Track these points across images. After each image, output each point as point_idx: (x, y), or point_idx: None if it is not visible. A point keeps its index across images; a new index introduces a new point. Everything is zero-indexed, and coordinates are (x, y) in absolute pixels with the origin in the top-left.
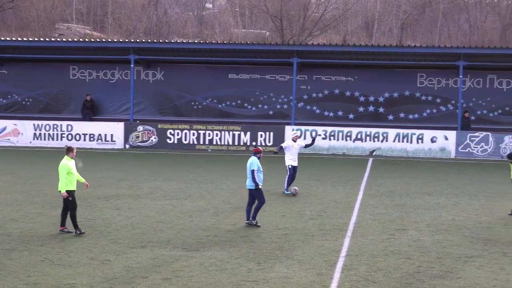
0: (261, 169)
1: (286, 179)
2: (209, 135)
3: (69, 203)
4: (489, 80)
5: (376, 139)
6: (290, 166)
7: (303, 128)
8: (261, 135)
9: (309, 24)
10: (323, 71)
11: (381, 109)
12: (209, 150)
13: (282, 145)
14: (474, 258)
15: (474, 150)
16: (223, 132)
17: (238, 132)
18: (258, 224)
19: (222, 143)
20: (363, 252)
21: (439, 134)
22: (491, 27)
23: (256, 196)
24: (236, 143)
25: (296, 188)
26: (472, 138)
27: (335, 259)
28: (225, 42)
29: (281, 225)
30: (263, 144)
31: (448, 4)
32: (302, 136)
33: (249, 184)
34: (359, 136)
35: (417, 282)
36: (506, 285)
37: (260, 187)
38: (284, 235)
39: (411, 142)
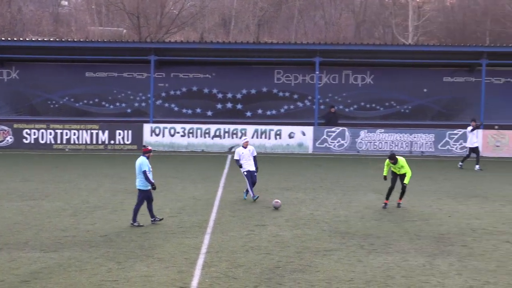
0: (151, 169)
1: (248, 185)
2: (66, 134)
3: None
4: (344, 76)
5: (234, 136)
6: (245, 173)
7: (161, 126)
8: (119, 133)
9: (166, 21)
10: (181, 69)
11: (239, 106)
12: (66, 150)
13: (235, 159)
14: (332, 252)
15: (331, 145)
16: (80, 131)
17: (96, 131)
18: (161, 218)
19: (80, 142)
20: (223, 248)
21: (296, 129)
22: (346, 24)
23: (139, 196)
24: (94, 142)
25: (278, 201)
26: (329, 133)
27: (196, 256)
28: (81, 40)
29: (140, 223)
30: (122, 142)
31: (304, 1)
32: (161, 134)
33: (139, 184)
34: (217, 133)
35: (277, 277)
36: (363, 277)
37: (150, 188)
38: (144, 233)
39: (269, 138)
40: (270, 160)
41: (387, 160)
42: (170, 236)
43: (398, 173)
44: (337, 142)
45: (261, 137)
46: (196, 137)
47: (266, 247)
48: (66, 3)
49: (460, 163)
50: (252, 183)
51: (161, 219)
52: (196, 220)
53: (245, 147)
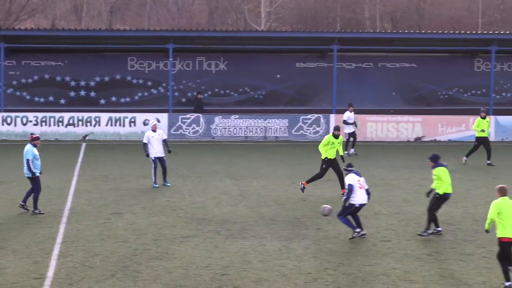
0: (38, 157)
1: (152, 172)
2: None
3: None
4: (198, 63)
5: (88, 124)
6: (153, 158)
7: (13, 115)
8: None
9: (16, 7)
10: (33, 56)
11: (92, 94)
12: None
13: (144, 142)
14: (189, 238)
15: (186, 131)
16: None
17: None
18: (42, 212)
19: None
20: (79, 238)
21: (151, 116)
22: (199, 10)
23: (32, 185)
24: None
25: (327, 206)
26: (183, 120)
27: (51, 246)
28: None
29: (41, 211)
30: None
31: None
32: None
33: (26, 172)
34: (71, 121)
35: (134, 264)
36: (220, 263)
37: (37, 175)
38: None
39: (124, 125)
40: (125, 148)
41: (329, 135)
42: (24, 227)
43: (333, 150)
44: (192, 129)
45: (115, 125)
46: (49, 125)
47: (123, 235)
48: None
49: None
50: (163, 169)
51: (42, 213)
52: (50, 210)
53: (154, 131)
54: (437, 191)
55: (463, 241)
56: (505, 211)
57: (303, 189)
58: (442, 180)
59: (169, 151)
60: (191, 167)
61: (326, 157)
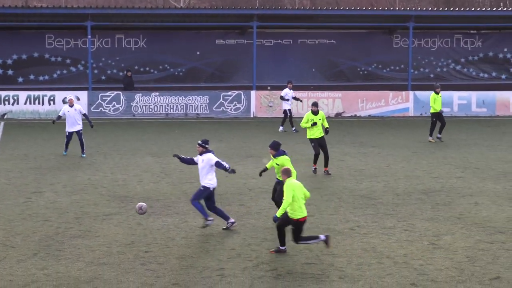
0: None
1: (65, 143)
2: None
3: None
4: (117, 40)
5: (6, 102)
6: (67, 133)
7: None
8: None
9: None
10: None
11: (10, 72)
12: None
13: (59, 115)
14: (111, 216)
15: (107, 109)
16: None
17: None
18: None
19: None
20: (0, 217)
21: (71, 94)
22: None
23: None
24: None
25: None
26: (103, 98)
27: None
28: None
29: None
30: None
31: None
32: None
33: None
34: None
35: (56, 243)
36: (144, 240)
37: None
38: None
39: (43, 104)
40: (44, 127)
41: (308, 113)
42: None
43: (317, 127)
44: (113, 106)
45: (34, 103)
46: None
47: (44, 214)
48: None
49: (281, 127)
50: (80, 142)
51: None
52: None
53: (71, 106)
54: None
55: (384, 215)
56: (297, 192)
57: (314, 170)
58: None
59: (91, 126)
60: (112, 145)
61: (310, 138)
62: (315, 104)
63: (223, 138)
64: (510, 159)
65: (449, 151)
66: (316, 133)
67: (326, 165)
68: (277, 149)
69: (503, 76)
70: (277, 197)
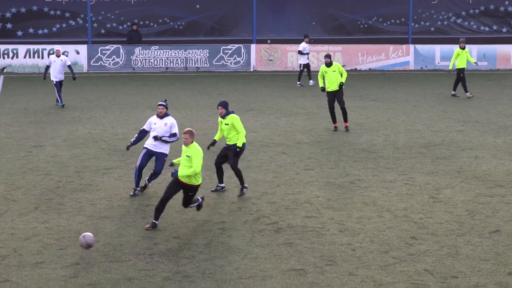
0: None
1: (56, 93)
2: None
3: None
4: None
5: (6, 56)
6: (54, 82)
7: None
8: None
9: None
10: None
11: (9, 25)
12: None
13: (47, 64)
14: (112, 170)
15: (106, 63)
16: None
17: None
18: None
19: None
20: (0, 171)
21: (70, 48)
22: None
23: None
24: None
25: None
26: (103, 52)
27: None
28: None
29: None
30: None
31: None
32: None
33: None
34: None
35: (57, 197)
36: (144, 193)
37: None
38: None
39: (42, 57)
40: (44, 81)
41: (322, 65)
42: None
43: (331, 79)
44: (112, 60)
45: (34, 57)
46: None
47: (45, 167)
48: None
49: (298, 82)
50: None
51: None
52: None
53: (58, 56)
54: (233, 143)
55: (384, 168)
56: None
57: (346, 127)
58: (237, 129)
59: (74, 78)
60: (112, 99)
61: (322, 87)
62: (328, 56)
63: (223, 92)
64: (511, 113)
65: (449, 104)
66: (330, 86)
67: (344, 119)
68: (227, 108)
69: (504, 30)
70: (233, 162)
